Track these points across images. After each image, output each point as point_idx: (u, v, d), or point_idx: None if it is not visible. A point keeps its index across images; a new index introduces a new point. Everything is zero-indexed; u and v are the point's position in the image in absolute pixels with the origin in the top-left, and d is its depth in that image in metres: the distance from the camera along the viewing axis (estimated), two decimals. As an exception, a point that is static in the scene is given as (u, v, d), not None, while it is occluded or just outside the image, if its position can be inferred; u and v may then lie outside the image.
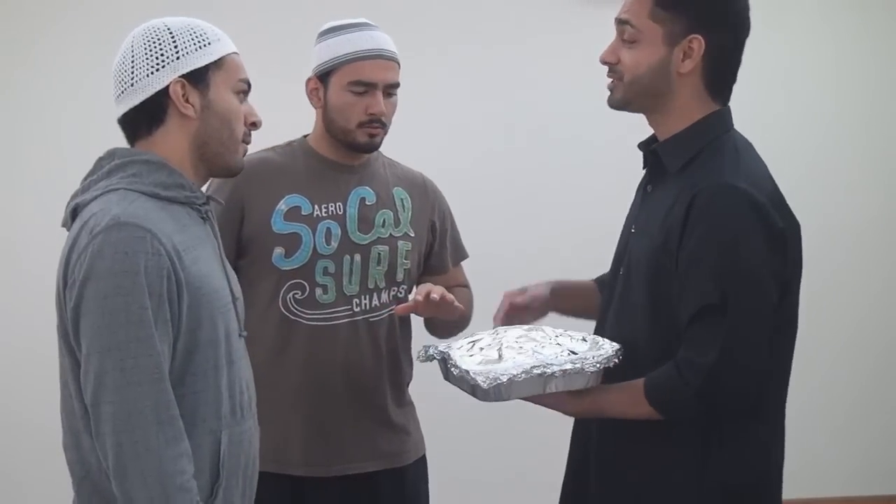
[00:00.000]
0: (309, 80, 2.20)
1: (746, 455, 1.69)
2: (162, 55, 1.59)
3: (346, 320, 2.16)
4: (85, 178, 1.63)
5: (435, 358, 1.82)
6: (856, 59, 3.89)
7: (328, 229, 2.15)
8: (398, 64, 2.19)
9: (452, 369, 1.75)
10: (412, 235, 2.25)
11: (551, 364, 1.69)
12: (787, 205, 1.70)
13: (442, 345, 1.86)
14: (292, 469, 2.16)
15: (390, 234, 2.21)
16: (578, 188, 3.63)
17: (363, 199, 2.20)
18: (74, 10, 3.44)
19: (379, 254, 2.19)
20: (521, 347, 1.75)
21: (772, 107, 3.76)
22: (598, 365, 1.71)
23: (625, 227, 1.90)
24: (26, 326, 3.24)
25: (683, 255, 1.63)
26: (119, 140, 1.68)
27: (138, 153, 1.62)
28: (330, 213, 2.16)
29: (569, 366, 1.69)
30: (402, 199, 2.26)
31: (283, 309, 2.14)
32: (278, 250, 2.13)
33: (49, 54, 3.42)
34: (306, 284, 2.14)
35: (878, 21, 3.88)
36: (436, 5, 3.59)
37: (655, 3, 1.67)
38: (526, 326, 1.87)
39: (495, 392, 1.66)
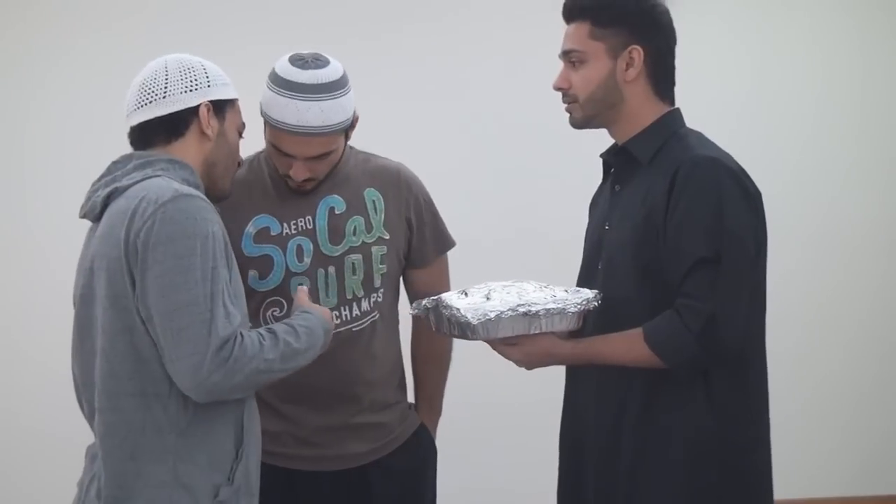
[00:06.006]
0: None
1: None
2: (196, 80, 1.83)
3: (329, 333, 2.17)
4: (99, 178, 1.80)
5: (428, 308, 1.96)
6: (850, 60, 3.83)
7: (299, 246, 2.15)
8: (329, 133, 2.05)
9: (444, 311, 1.90)
10: (387, 238, 2.21)
11: (535, 303, 1.86)
12: (750, 176, 1.88)
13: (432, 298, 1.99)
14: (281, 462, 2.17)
15: (362, 242, 2.18)
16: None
17: (332, 209, 2.18)
18: (72, 14, 3.47)
19: (353, 263, 2.17)
20: (507, 292, 1.91)
21: (771, 108, 3.73)
22: (579, 306, 1.87)
23: (592, 227, 2.07)
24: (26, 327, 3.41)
25: (672, 223, 1.79)
26: (116, 148, 1.83)
27: (158, 154, 1.80)
28: (300, 229, 2.15)
29: (552, 305, 1.86)
30: (373, 201, 2.21)
31: (263, 326, 2.14)
32: (252, 273, 2.13)
33: (50, 58, 3.46)
34: (284, 301, 2.14)
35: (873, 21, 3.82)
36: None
37: (593, 24, 1.90)
38: (511, 280, 1.99)
39: (483, 328, 1.85)
